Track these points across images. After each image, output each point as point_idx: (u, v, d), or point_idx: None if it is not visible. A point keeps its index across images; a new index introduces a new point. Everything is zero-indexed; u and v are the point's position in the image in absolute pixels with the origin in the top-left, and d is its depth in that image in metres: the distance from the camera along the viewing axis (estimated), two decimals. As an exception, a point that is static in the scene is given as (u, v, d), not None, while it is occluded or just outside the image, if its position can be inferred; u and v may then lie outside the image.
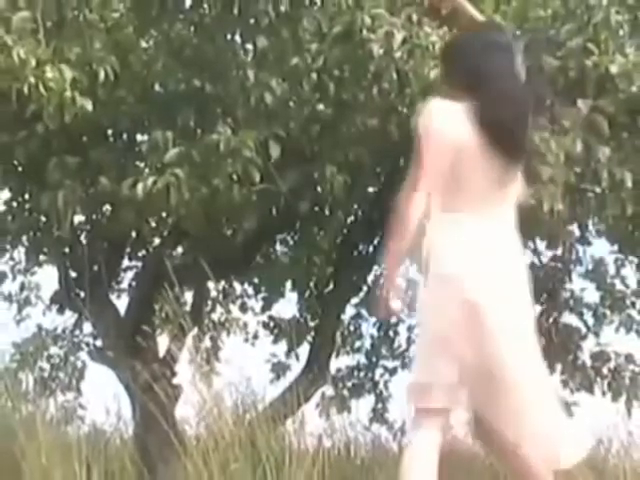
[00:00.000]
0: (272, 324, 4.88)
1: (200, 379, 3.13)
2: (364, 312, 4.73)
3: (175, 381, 3.60)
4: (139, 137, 3.35)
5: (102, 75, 2.82)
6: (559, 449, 1.71)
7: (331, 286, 4.16)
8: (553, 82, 2.93)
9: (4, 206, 3.69)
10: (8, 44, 2.59)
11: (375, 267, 4.23)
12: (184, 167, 2.81)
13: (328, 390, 4.24)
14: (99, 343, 4.21)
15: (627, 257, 4.24)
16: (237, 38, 3.15)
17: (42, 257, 4.13)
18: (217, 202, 2.92)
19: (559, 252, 4.27)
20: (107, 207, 3.46)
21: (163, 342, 3.79)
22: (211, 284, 4.34)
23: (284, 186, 2.99)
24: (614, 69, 2.82)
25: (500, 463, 1.97)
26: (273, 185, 2.98)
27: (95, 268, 3.74)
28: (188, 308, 3.90)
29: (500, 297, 1.71)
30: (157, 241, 3.97)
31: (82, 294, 3.83)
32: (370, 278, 4.39)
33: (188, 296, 4.05)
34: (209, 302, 4.76)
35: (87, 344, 4.53)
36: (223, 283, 4.75)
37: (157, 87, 3.18)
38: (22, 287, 4.68)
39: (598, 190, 3.19)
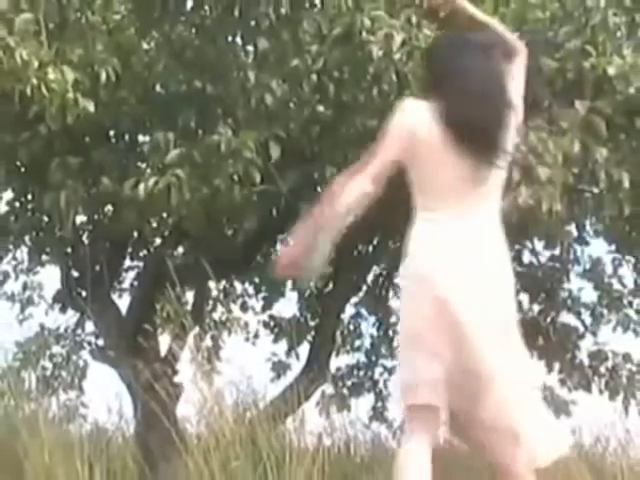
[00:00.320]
0: (272, 323, 4.91)
1: (201, 378, 3.15)
2: (364, 311, 4.76)
3: (176, 380, 3.61)
4: (141, 138, 3.37)
5: (104, 76, 2.83)
6: (537, 447, 1.69)
7: (331, 286, 4.18)
8: (551, 83, 2.95)
9: (7, 206, 3.69)
10: (11, 46, 2.58)
11: (374, 267, 4.26)
12: (185, 168, 2.82)
13: (328, 389, 4.26)
14: (101, 342, 4.23)
15: (624, 257, 4.26)
16: (238, 40, 3.16)
17: (44, 257, 4.15)
18: (218, 202, 2.94)
19: (557, 252, 4.30)
20: (109, 207, 3.47)
21: (164, 341, 3.81)
22: (212, 284, 4.35)
23: (284, 186, 3.01)
24: (612, 71, 2.82)
25: (480, 460, 1.96)
26: (273, 185, 3.00)
27: (97, 268, 3.76)
28: (189, 307, 3.91)
29: (474, 294, 1.69)
30: (158, 241, 3.98)
31: (84, 294, 3.84)
32: (370, 278, 4.41)
33: (189, 296, 4.07)
34: (210, 301, 4.78)
35: (89, 343, 4.56)
36: (224, 283, 4.77)
37: (158, 88, 3.20)
38: (25, 287, 4.72)
39: (596, 191, 3.21)
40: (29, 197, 3.61)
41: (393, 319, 4.66)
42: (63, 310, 4.25)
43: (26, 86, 2.63)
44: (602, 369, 4.17)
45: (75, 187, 3.05)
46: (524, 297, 4.45)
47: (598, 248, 4.29)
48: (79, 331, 4.59)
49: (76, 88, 2.71)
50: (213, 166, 2.86)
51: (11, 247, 4.18)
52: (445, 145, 1.73)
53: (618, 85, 2.86)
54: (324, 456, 2.86)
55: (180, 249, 4.00)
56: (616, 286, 4.34)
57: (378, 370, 4.74)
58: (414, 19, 2.81)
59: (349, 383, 4.65)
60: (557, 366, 4.21)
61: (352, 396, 4.57)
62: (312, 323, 4.60)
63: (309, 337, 4.51)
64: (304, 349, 4.40)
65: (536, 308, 4.41)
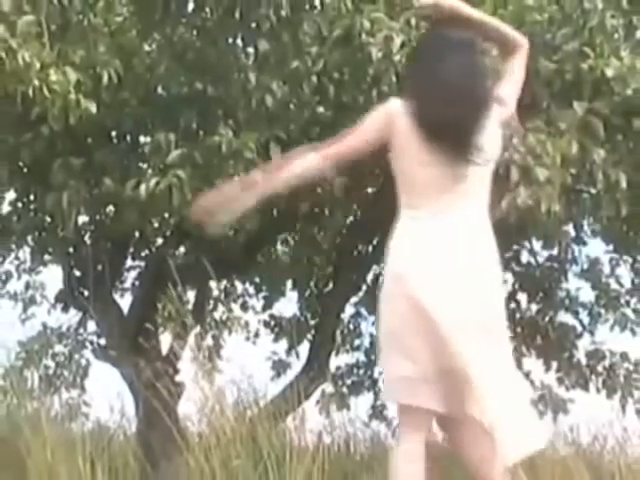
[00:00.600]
0: (273, 323, 4.93)
1: (202, 377, 3.16)
2: (363, 311, 4.78)
3: (178, 379, 3.62)
4: (142, 139, 3.38)
5: (106, 78, 2.83)
6: (508, 444, 1.66)
7: (331, 285, 4.20)
8: (549, 85, 2.97)
9: (10, 207, 3.71)
10: (13, 47, 2.57)
11: (374, 267, 4.28)
12: (186, 168, 2.83)
13: (328, 387, 4.28)
14: (103, 341, 4.24)
15: (622, 257, 4.28)
16: (239, 42, 3.17)
17: (47, 257, 4.17)
18: (219, 203, 2.96)
19: (555, 252, 4.32)
20: (111, 207, 3.48)
21: (166, 340, 3.83)
22: (213, 283, 4.37)
23: (284, 187, 3.02)
24: (609, 72, 2.83)
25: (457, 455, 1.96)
26: (274, 186, 3.01)
27: (99, 268, 3.78)
28: (190, 307, 3.94)
29: (449, 293, 1.68)
30: (160, 241, 4.00)
31: (86, 293, 3.86)
32: (369, 278, 4.43)
33: (190, 295, 4.09)
34: (211, 301, 4.80)
35: (91, 342, 4.58)
36: (225, 282, 4.79)
37: (160, 90, 3.21)
38: (27, 286, 4.75)
39: (593, 191, 3.22)
40: (32, 197, 3.63)
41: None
42: (65, 309, 4.27)
43: (28, 87, 2.63)
44: (599, 368, 4.18)
45: (77, 187, 3.06)
46: (522, 297, 4.49)
47: (596, 248, 4.32)
48: (81, 330, 4.61)
49: (78, 89, 2.71)
50: (214, 167, 2.87)
51: (14, 247, 4.20)
52: (421, 144, 1.73)
53: (616, 86, 2.87)
54: (324, 454, 2.87)
55: (181, 249, 4.01)
56: (613, 286, 4.35)
57: (377, 369, 4.75)
58: (413, 21, 2.82)
59: (349, 382, 4.67)
60: (555, 365, 4.23)
61: (352, 395, 4.59)
62: (312, 322, 4.62)
63: (309, 336, 4.53)
64: (304, 348, 4.43)
65: (534, 307, 4.43)
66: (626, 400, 4.03)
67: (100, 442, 3.41)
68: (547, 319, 4.33)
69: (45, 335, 4.60)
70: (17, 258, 4.53)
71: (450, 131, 1.72)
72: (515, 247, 4.35)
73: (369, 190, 3.70)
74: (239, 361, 3.42)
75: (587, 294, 4.40)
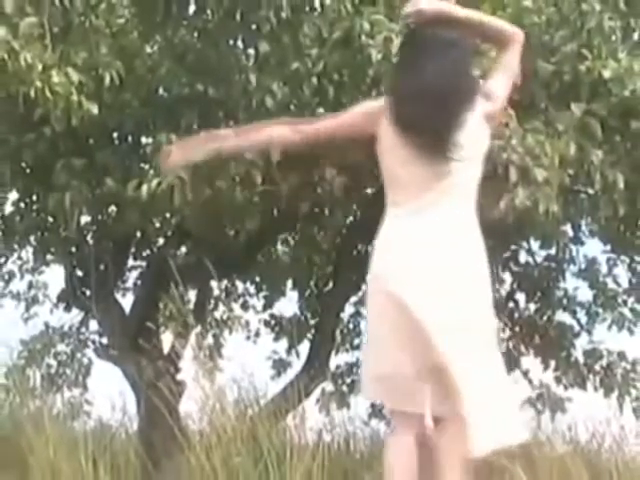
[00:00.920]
0: (273, 322, 4.96)
1: (203, 375, 3.18)
2: (363, 310, 4.79)
3: (179, 377, 3.64)
4: (144, 139, 3.40)
5: (108, 79, 2.84)
6: (478, 436, 1.65)
7: (331, 285, 4.21)
8: (548, 86, 2.99)
9: (12, 207, 3.75)
10: (15, 49, 2.58)
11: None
12: (187, 169, 2.86)
13: (328, 386, 4.29)
14: (105, 340, 4.27)
15: (619, 257, 4.30)
16: (239, 43, 3.18)
17: (49, 256, 4.19)
18: (220, 203, 2.97)
19: (553, 252, 4.34)
20: (113, 208, 3.51)
21: (167, 339, 3.84)
22: (214, 283, 4.39)
23: (285, 188, 3.05)
24: (607, 74, 2.85)
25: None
26: (274, 187, 3.04)
27: (101, 267, 3.80)
28: (192, 306, 3.96)
29: (429, 290, 1.67)
30: (161, 241, 4.02)
31: (88, 293, 3.89)
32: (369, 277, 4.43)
33: (192, 295, 4.11)
34: (212, 300, 4.82)
35: (93, 341, 4.59)
36: (226, 282, 4.81)
37: (161, 91, 3.23)
38: (30, 286, 4.76)
39: (591, 191, 3.25)
40: (34, 198, 3.66)
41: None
42: (68, 309, 4.29)
43: (30, 88, 2.64)
44: (597, 367, 4.20)
45: (79, 188, 3.08)
46: (521, 296, 4.51)
47: (593, 248, 4.33)
48: (83, 329, 4.63)
49: (80, 91, 2.73)
50: (215, 167, 2.88)
51: (16, 247, 4.22)
52: (398, 142, 1.75)
53: (613, 88, 2.89)
54: (324, 452, 2.89)
55: (183, 249, 4.03)
56: (611, 285, 4.37)
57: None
58: (413, 23, 2.84)
59: (348, 381, 4.68)
60: (553, 364, 4.24)
61: (351, 393, 4.60)
62: (312, 322, 4.64)
63: (309, 335, 4.55)
64: (304, 347, 4.44)
65: (532, 307, 4.45)
66: (623, 399, 4.04)
67: (102, 440, 3.43)
68: (545, 318, 4.35)
69: (47, 334, 4.61)
70: (20, 258, 4.55)
71: (424, 129, 1.72)
72: (513, 247, 4.37)
73: (369, 190, 3.72)
74: (240, 360, 3.44)
75: (585, 294, 4.42)
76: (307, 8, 2.99)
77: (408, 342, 1.69)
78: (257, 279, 4.78)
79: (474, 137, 1.76)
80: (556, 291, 4.40)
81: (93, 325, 4.53)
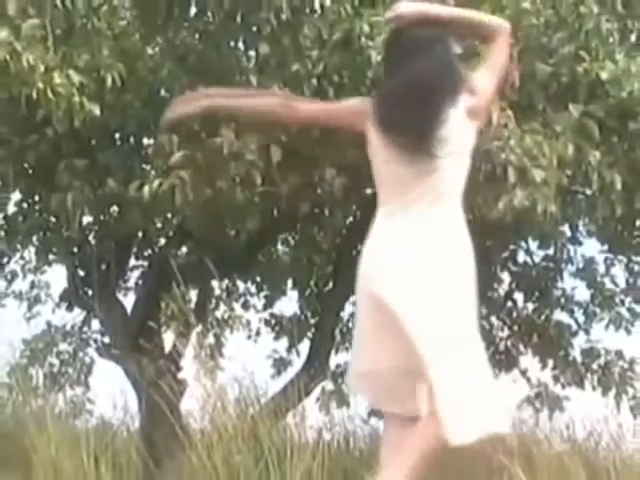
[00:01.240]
0: (274, 321, 4.98)
1: (204, 374, 3.20)
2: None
3: (180, 376, 3.65)
4: (145, 140, 3.43)
5: (109, 81, 2.86)
6: (451, 427, 1.63)
7: (331, 284, 4.23)
8: (546, 88, 3.01)
9: (15, 207, 3.76)
10: (18, 50, 2.58)
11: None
12: (189, 169, 2.87)
13: (328, 385, 4.31)
14: (107, 340, 4.28)
15: (616, 257, 4.32)
16: (240, 45, 3.19)
17: (52, 256, 4.20)
18: (220, 203, 2.99)
19: (551, 252, 4.37)
20: (114, 208, 3.53)
21: (168, 339, 3.85)
22: (215, 283, 4.41)
23: (285, 188, 3.07)
24: (604, 75, 2.87)
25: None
26: (274, 187, 3.06)
27: (103, 267, 3.82)
28: (193, 306, 3.97)
29: (413, 289, 1.67)
30: (163, 241, 4.05)
31: (90, 292, 3.91)
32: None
33: (193, 294, 4.13)
34: (213, 300, 4.84)
35: (95, 341, 4.60)
36: (226, 282, 4.83)
37: (163, 92, 3.24)
38: (32, 285, 4.78)
39: (589, 192, 3.27)
40: (37, 198, 3.67)
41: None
42: (70, 308, 4.31)
43: (32, 90, 2.64)
44: (595, 366, 4.22)
45: (81, 188, 3.10)
46: (519, 296, 4.53)
47: (591, 248, 4.35)
48: (85, 329, 4.64)
49: (82, 92, 2.74)
50: (216, 168, 2.90)
51: (19, 247, 4.23)
52: (381, 142, 1.76)
53: (611, 89, 2.91)
54: (324, 450, 2.91)
55: (184, 249, 4.05)
56: (608, 285, 4.39)
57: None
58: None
59: (349, 380, 4.69)
60: (551, 363, 4.26)
61: (351, 392, 4.62)
62: (312, 321, 4.66)
63: (309, 334, 4.58)
64: (304, 346, 4.46)
65: (530, 306, 4.47)
66: (621, 397, 4.06)
67: (104, 438, 3.45)
68: (543, 318, 4.37)
69: (50, 333, 4.63)
70: (22, 258, 4.56)
71: (406, 129, 1.73)
72: (512, 247, 4.39)
73: (369, 190, 3.74)
74: (240, 359, 3.46)
75: (582, 293, 4.45)
76: (307, 10, 3.01)
77: (388, 341, 1.70)
78: (258, 279, 4.80)
79: (458, 133, 1.76)
80: (554, 291, 4.42)
81: (95, 324, 4.55)
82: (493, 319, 4.51)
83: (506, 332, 4.50)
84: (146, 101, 3.19)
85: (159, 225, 3.75)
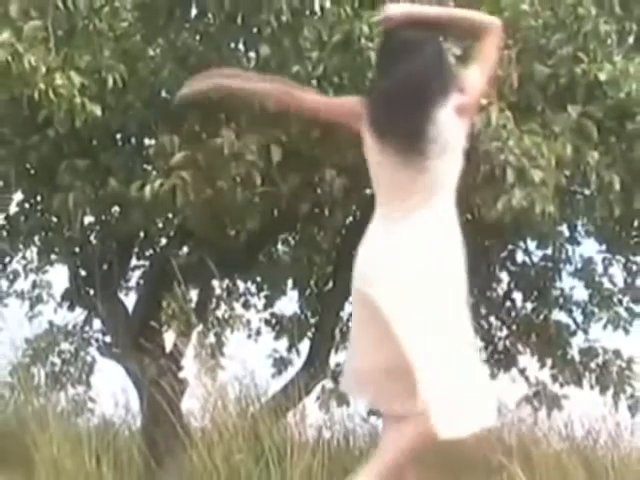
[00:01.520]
0: (274, 321, 4.99)
1: (205, 373, 3.22)
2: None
3: (181, 375, 3.66)
4: (147, 141, 3.43)
5: (111, 82, 2.87)
6: (438, 423, 1.64)
7: (331, 284, 4.24)
8: (544, 89, 3.03)
9: (17, 207, 3.76)
10: (19, 51, 2.59)
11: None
12: (189, 170, 2.88)
13: (328, 384, 4.32)
14: (108, 339, 4.29)
15: (614, 256, 4.32)
16: (240, 46, 3.21)
17: (53, 256, 4.20)
18: (221, 203, 3.01)
19: (549, 252, 4.38)
20: (116, 208, 3.54)
21: (169, 338, 3.87)
22: (215, 282, 4.42)
23: (285, 188, 3.09)
24: (603, 76, 2.89)
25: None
26: (275, 187, 3.07)
27: (104, 267, 3.83)
28: (193, 305, 3.98)
29: (403, 290, 1.69)
30: (164, 241, 4.06)
31: (92, 292, 3.91)
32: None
33: (193, 294, 4.14)
34: (214, 300, 4.85)
35: (97, 340, 4.61)
36: (227, 281, 4.85)
37: (164, 93, 3.24)
38: (34, 285, 4.79)
39: (587, 192, 3.29)
40: (38, 198, 3.68)
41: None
42: (71, 308, 4.31)
43: (34, 91, 2.65)
44: (593, 365, 4.23)
45: (83, 189, 3.11)
46: (517, 295, 4.55)
47: (589, 248, 4.36)
48: (87, 328, 4.65)
49: (83, 93, 2.75)
50: (217, 168, 2.92)
51: (21, 246, 4.23)
52: (374, 142, 1.78)
53: (609, 90, 2.92)
54: (324, 449, 2.94)
55: (185, 249, 4.05)
56: (606, 285, 4.39)
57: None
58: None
59: (349, 379, 4.71)
60: (549, 362, 4.27)
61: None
62: (312, 320, 4.68)
63: (309, 334, 4.59)
64: (305, 346, 4.48)
65: (529, 306, 4.48)
66: (619, 396, 4.07)
67: (105, 437, 3.47)
68: (542, 317, 4.38)
69: (51, 333, 4.65)
70: (24, 257, 4.56)
71: (397, 130, 1.74)
72: (510, 247, 4.41)
73: (368, 191, 3.75)
74: (241, 358, 3.47)
75: (581, 293, 4.45)
76: (307, 12, 3.01)
77: (377, 342, 1.72)
78: (258, 278, 4.82)
79: (449, 132, 1.76)
80: (552, 290, 4.43)
81: (97, 324, 4.56)
82: (492, 319, 4.53)
83: (505, 331, 4.51)
84: (147, 102, 3.20)
85: (160, 225, 3.77)
